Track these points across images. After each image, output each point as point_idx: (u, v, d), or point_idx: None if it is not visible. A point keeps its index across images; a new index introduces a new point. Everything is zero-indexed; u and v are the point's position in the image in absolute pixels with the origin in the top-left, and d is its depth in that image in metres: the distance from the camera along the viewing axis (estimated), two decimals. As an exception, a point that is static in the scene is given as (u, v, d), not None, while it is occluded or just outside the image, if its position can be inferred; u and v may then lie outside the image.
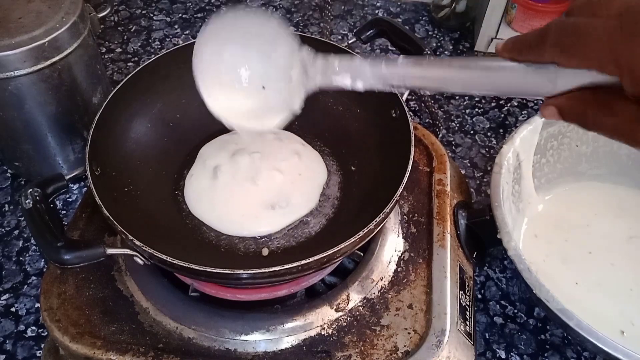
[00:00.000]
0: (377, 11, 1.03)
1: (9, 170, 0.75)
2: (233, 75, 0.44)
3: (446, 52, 0.95)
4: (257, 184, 0.55)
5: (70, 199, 0.73)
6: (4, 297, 0.63)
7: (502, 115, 0.84)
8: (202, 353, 0.47)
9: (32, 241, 0.68)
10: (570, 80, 0.31)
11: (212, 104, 0.45)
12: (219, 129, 0.54)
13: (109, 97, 0.53)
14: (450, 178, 0.61)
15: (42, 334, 0.59)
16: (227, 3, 1.04)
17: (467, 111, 0.85)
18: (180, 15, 1.02)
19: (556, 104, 0.31)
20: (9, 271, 0.65)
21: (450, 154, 0.70)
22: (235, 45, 0.44)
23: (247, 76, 0.44)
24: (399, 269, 0.53)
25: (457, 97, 0.87)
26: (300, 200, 0.55)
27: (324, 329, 0.49)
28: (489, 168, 0.76)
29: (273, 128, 0.45)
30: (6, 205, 0.72)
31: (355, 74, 0.39)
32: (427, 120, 0.82)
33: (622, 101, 0.28)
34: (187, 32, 0.98)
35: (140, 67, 0.56)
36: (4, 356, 0.58)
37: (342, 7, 1.03)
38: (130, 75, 0.55)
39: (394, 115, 0.54)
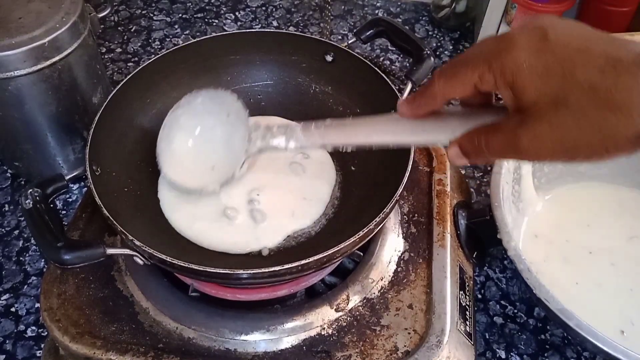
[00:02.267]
0: (377, 11, 1.03)
1: (9, 170, 0.75)
2: (191, 156, 0.51)
3: (446, 52, 0.95)
4: (257, 200, 0.53)
5: (70, 199, 0.73)
6: (4, 297, 0.63)
7: (502, 115, 0.84)
8: (202, 353, 0.47)
9: (32, 241, 0.68)
10: (464, 124, 0.36)
11: (167, 171, 0.51)
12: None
13: (109, 97, 0.52)
14: (450, 178, 0.61)
15: (42, 334, 0.59)
16: (227, 3, 1.04)
17: (467, 111, 0.84)
18: (180, 15, 1.02)
19: (457, 142, 0.36)
20: (9, 271, 0.65)
21: (450, 154, 0.70)
22: (200, 130, 0.52)
23: (203, 159, 0.51)
24: (399, 269, 0.53)
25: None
26: (305, 216, 0.54)
27: (324, 329, 0.49)
28: (489, 168, 0.76)
29: (214, 189, 0.50)
30: (6, 205, 0.72)
31: (289, 135, 0.45)
32: (427, 120, 0.82)
33: (505, 119, 0.34)
34: (187, 32, 0.98)
35: (140, 67, 0.56)
36: (4, 356, 0.58)
37: (342, 7, 1.03)
38: (130, 75, 0.55)
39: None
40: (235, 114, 0.50)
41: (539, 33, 0.30)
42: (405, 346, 0.48)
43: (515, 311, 0.62)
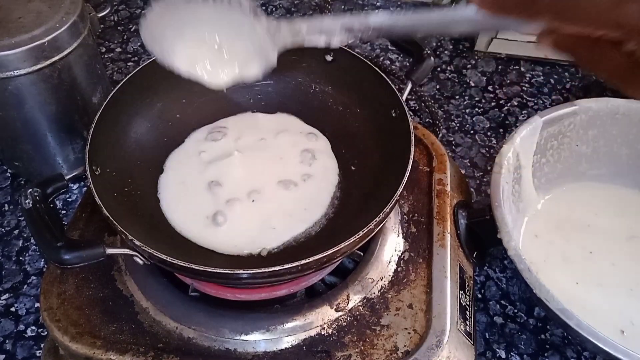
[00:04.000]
0: (377, 11, 1.03)
1: (9, 170, 0.75)
2: (189, 35, 0.45)
3: (446, 52, 0.95)
4: (258, 203, 0.53)
5: (70, 199, 0.73)
6: (4, 297, 0.63)
7: (502, 115, 0.84)
8: (202, 353, 0.47)
9: (32, 241, 0.68)
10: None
11: (178, 63, 0.45)
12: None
13: (109, 96, 0.52)
14: (450, 178, 0.61)
15: (42, 333, 0.59)
16: (227, 3, 1.04)
17: (467, 111, 0.85)
18: (180, 15, 1.01)
19: (552, 38, 0.30)
20: (9, 271, 0.65)
21: (450, 154, 0.70)
22: (187, 12, 0.45)
23: (201, 35, 0.44)
24: (399, 269, 0.53)
25: (457, 97, 0.87)
26: (305, 220, 0.53)
27: (323, 328, 0.49)
28: (489, 168, 0.76)
29: (252, 77, 0.44)
30: (6, 205, 0.72)
31: (325, 31, 0.39)
32: (427, 119, 0.82)
33: (615, 49, 0.27)
34: (187, 31, 0.98)
35: (140, 67, 0.56)
36: (3, 356, 0.58)
37: (342, 7, 1.03)
38: (130, 75, 0.55)
39: (393, 114, 0.54)
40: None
41: None
42: (405, 346, 0.48)
43: (515, 311, 0.62)
